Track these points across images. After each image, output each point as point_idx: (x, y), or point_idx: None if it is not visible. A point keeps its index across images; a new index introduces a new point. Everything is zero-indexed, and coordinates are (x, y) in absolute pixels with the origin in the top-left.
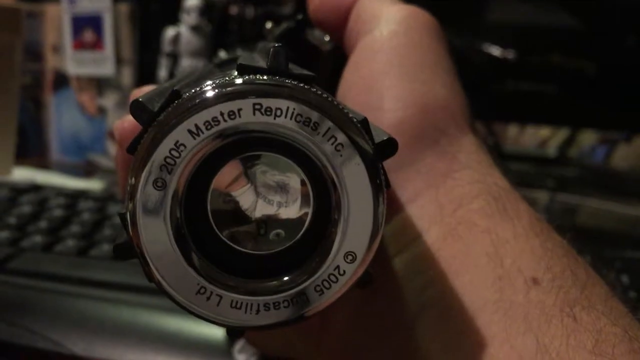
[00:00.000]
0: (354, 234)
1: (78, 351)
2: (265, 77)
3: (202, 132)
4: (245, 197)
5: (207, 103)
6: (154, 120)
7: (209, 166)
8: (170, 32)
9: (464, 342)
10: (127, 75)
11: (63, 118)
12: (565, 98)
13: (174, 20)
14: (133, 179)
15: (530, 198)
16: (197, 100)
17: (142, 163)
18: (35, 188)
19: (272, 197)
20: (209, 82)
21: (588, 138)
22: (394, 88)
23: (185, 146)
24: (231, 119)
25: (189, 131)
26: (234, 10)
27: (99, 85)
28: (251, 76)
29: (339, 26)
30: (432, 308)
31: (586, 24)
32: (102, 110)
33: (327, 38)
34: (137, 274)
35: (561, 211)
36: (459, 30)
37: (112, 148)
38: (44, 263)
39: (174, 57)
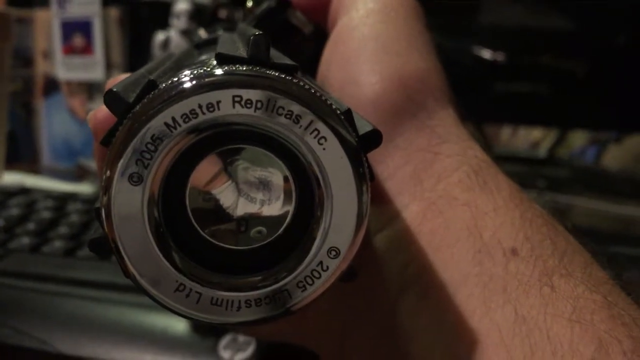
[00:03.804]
0: (338, 229)
1: (65, 350)
2: (245, 68)
3: (180, 125)
4: (226, 195)
5: (185, 94)
6: (129, 111)
7: (188, 160)
8: (160, 36)
9: (445, 318)
10: None
11: (54, 123)
12: (555, 99)
13: (164, 24)
14: (108, 172)
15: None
16: (174, 92)
17: (117, 156)
18: (24, 191)
19: (254, 195)
20: (187, 72)
21: (579, 139)
22: (369, 62)
23: (161, 139)
24: (210, 111)
25: (166, 124)
26: (223, 14)
27: (90, 89)
28: (230, 66)
29: (321, 8)
30: (413, 285)
31: (576, 25)
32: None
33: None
34: (121, 274)
35: (552, 211)
36: (449, 33)
37: None
38: (31, 264)
39: None
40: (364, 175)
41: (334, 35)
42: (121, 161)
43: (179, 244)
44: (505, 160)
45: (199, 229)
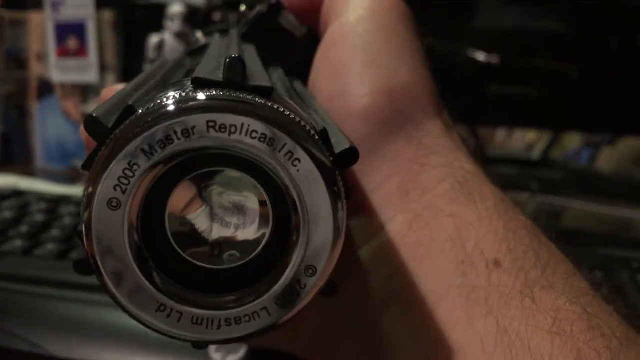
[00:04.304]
0: (314, 247)
1: (56, 352)
2: (219, 92)
3: (156, 151)
4: (201, 220)
5: (160, 121)
6: (108, 136)
7: (165, 183)
8: (154, 39)
9: (428, 329)
10: (111, 82)
11: (48, 125)
12: (549, 101)
13: (158, 27)
14: (87, 198)
15: (513, 200)
16: (150, 118)
17: (95, 182)
18: (17, 194)
19: (229, 220)
20: (164, 97)
21: (573, 141)
22: (358, 74)
23: (138, 166)
24: (185, 136)
25: (142, 150)
26: (217, 16)
27: (83, 92)
28: (205, 91)
29: (313, 11)
30: (397, 296)
31: (570, 28)
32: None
33: (300, 23)
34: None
35: (546, 213)
36: (443, 36)
37: None
38: (24, 266)
39: None
40: (339, 194)
41: (325, 42)
42: (100, 187)
43: (159, 265)
44: (500, 163)
45: (178, 250)
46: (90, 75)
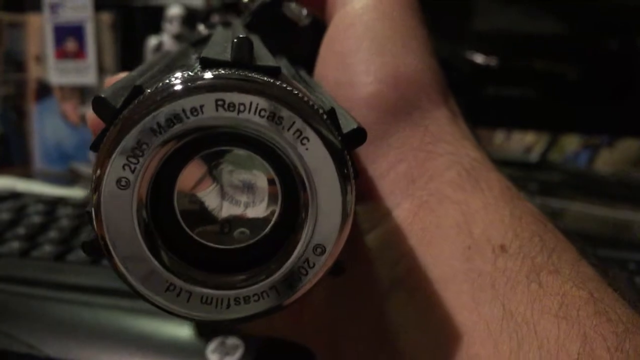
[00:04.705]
0: (323, 226)
1: (52, 354)
2: (227, 71)
3: (165, 130)
4: (211, 197)
5: (169, 99)
6: (116, 116)
7: (175, 162)
8: (152, 40)
9: (435, 313)
10: None
11: (46, 127)
12: (548, 103)
13: (157, 29)
14: (96, 177)
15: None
16: (159, 97)
17: (104, 161)
18: (14, 196)
19: (238, 198)
20: (172, 77)
21: (571, 143)
22: (364, 63)
23: (147, 144)
24: (194, 115)
25: (151, 129)
26: (215, 18)
27: (82, 94)
28: (214, 70)
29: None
30: (403, 281)
31: (569, 29)
32: (84, 119)
33: (305, 12)
34: (111, 278)
35: (545, 215)
36: (441, 37)
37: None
38: (21, 268)
39: None
40: (348, 173)
41: (330, 31)
42: (109, 167)
43: (168, 244)
44: (498, 165)
45: (187, 229)
46: (89, 77)
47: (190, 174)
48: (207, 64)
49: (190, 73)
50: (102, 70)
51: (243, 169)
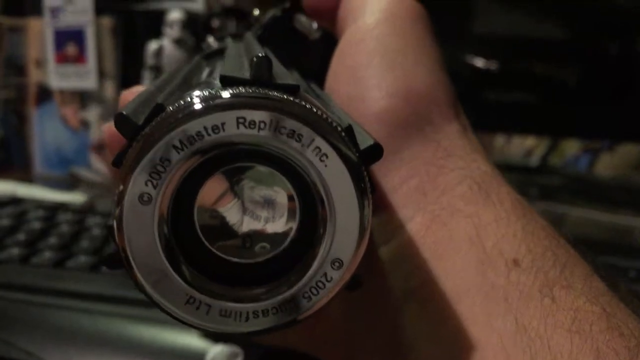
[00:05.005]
0: (341, 241)
1: None
2: (248, 90)
3: (186, 147)
4: (231, 213)
5: (191, 117)
6: (138, 133)
7: (195, 178)
8: (153, 45)
9: (447, 326)
10: (109, 89)
11: (46, 131)
12: (548, 107)
13: (157, 33)
14: (119, 193)
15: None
16: (181, 115)
17: (127, 178)
18: (15, 201)
19: (259, 213)
20: (193, 94)
21: (572, 147)
22: (376, 77)
23: (169, 161)
24: (215, 133)
25: (173, 146)
26: (215, 23)
27: (82, 98)
28: (234, 88)
29: (330, 12)
30: (416, 295)
31: (569, 33)
32: (85, 124)
33: (315, 25)
34: (110, 285)
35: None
36: (442, 41)
37: (96, 161)
38: (20, 275)
39: (157, 70)
40: (365, 189)
41: (342, 45)
42: (131, 183)
43: (188, 258)
44: (498, 169)
45: (207, 244)
46: (89, 82)
47: (211, 189)
48: (227, 82)
49: (211, 91)
50: (102, 75)
51: (263, 185)
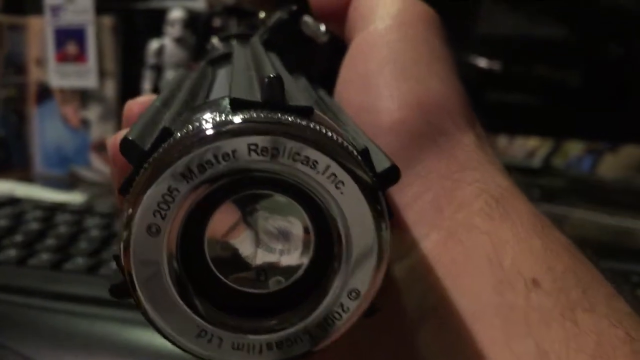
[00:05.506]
0: (357, 270)
1: None
2: (259, 115)
3: (196, 176)
4: (244, 244)
5: (200, 145)
6: (144, 159)
7: (205, 206)
8: (154, 44)
9: (464, 348)
10: (110, 88)
11: (46, 130)
12: (551, 109)
13: (158, 32)
14: (125, 224)
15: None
16: (189, 142)
17: (134, 208)
18: (13, 201)
19: (274, 245)
20: (201, 118)
21: (574, 148)
22: (388, 87)
23: (178, 191)
24: (225, 160)
25: (182, 174)
26: (217, 22)
27: (83, 97)
28: (245, 113)
29: (339, 16)
30: (432, 314)
31: (572, 35)
32: (85, 123)
33: (323, 29)
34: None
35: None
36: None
37: (96, 160)
38: (17, 277)
39: (158, 69)
40: (383, 215)
41: (352, 51)
42: (138, 213)
43: (198, 290)
44: None
45: (219, 275)
46: (90, 81)
47: (222, 218)
48: (237, 105)
49: (221, 116)
50: (103, 74)
51: (277, 215)
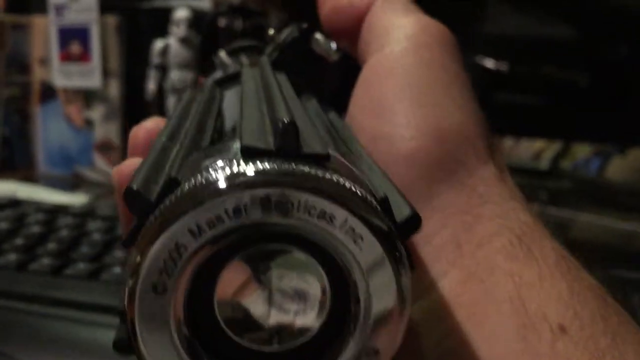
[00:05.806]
0: (377, 327)
1: None
2: (272, 164)
3: (205, 232)
4: (257, 304)
5: (208, 198)
6: (150, 211)
7: (214, 262)
8: (159, 44)
9: None
10: (114, 88)
11: (50, 130)
12: (558, 110)
13: (163, 32)
14: (130, 281)
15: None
16: (198, 195)
17: (139, 265)
18: (14, 203)
19: (288, 306)
20: (210, 169)
21: (582, 150)
22: (404, 114)
23: (186, 248)
24: (236, 216)
25: (190, 231)
26: (222, 22)
27: (86, 97)
28: (257, 163)
29: (351, 34)
30: (451, 359)
31: (580, 36)
32: (89, 123)
33: (334, 47)
34: (110, 294)
35: (554, 225)
36: None
37: (99, 161)
38: (17, 282)
39: (163, 69)
40: (404, 268)
41: (365, 75)
42: (143, 271)
43: (208, 348)
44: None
45: (230, 334)
46: (94, 81)
47: (232, 275)
48: (248, 154)
49: (232, 166)
50: (106, 74)
51: (292, 272)
